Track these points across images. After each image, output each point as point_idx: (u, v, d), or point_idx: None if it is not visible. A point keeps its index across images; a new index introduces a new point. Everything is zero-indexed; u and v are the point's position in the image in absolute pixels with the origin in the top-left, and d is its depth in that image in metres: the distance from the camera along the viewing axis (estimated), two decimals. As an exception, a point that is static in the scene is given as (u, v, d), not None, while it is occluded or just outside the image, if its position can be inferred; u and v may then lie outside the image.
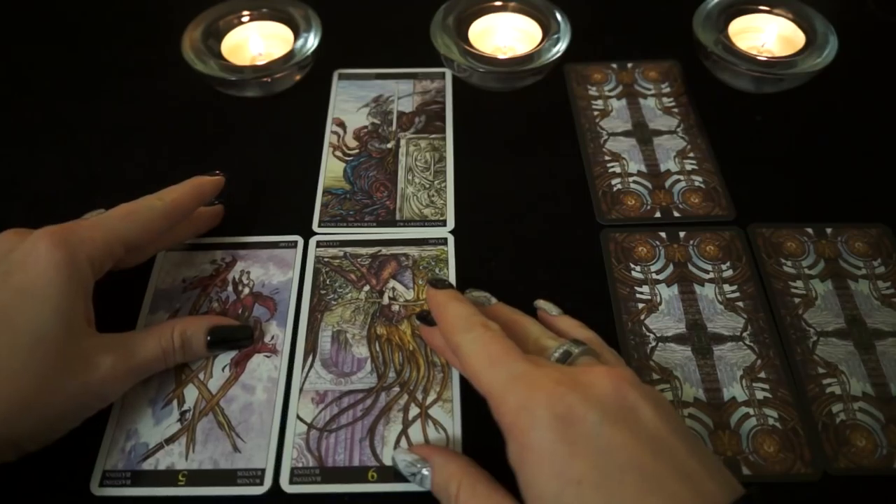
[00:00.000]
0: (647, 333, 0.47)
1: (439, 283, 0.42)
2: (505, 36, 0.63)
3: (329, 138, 0.59)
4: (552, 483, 0.31)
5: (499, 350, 0.36)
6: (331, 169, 0.56)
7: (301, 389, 0.44)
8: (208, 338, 0.44)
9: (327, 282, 0.49)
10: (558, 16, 0.61)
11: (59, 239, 0.39)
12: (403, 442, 0.42)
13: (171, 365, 0.44)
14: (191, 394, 0.44)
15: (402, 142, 0.58)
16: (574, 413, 0.32)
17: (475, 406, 0.44)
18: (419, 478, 0.38)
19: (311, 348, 0.46)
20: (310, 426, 0.43)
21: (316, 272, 0.50)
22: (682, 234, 0.52)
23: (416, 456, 0.39)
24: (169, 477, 0.41)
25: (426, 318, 0.43)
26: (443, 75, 0.63)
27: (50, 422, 0.38)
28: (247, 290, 0.49)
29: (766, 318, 0.47)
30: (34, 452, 0.39)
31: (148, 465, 0.41)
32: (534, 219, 0.53)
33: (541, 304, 0.45)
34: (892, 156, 0.57)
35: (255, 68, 0.59)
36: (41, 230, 0.40)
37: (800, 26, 0.60)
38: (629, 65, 0.64)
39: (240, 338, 0.46)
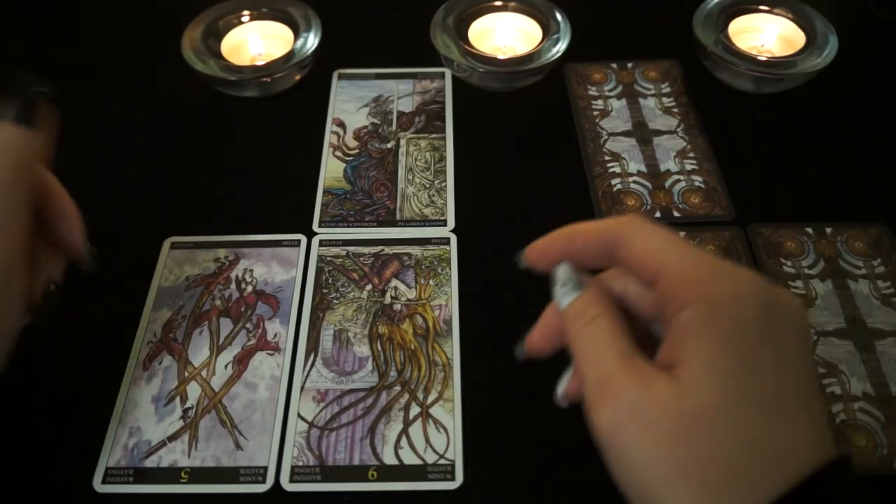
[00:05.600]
0: (648, 333, 0.47)
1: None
2: (505, 36, 0.63)
3: (329, 138, 0.59)
4: (733, 360, 0.28)
5: (676, 234, 0.32)
6: (331, 169, 0.56)
7: (302, 388, 0.44)
8: (16, 118, 0.38)
9: (330, 280, 0.49)
10: (558, 16, 0.61)
11: None
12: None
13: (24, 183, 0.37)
14: (193, 391, 0.44)
15: (402, 142, 0.58)
16: (775, 311, 0.30)
17: (476, 406, 0.44)
18: (564, 291, 0.34)
19: (313, 347, 0.46)
20: (310, 425, 0.43)
21: (318, 271, 0.50)
22: (682, 234, 0.52)
23: (579, 277, 0.34)
24: (171, 474, 0.41)
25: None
26: (443, 75, 0.63)
27: None
28: (250, 288, 0.49)
29: (767, 317, 0.47)
30: (42, 439, 0.38)
31: (150, 463, 0.41)
32: (534, 218, 0.53)
33: None
34: (892, 156, 0.57)
35: (255, 68, 0.59)
36: None
37: (800, 26, 0.61)
38: (629, 65, 0.65)
39: (26, 89, 0.39)
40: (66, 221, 0.40)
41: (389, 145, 0.58)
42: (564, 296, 0.34)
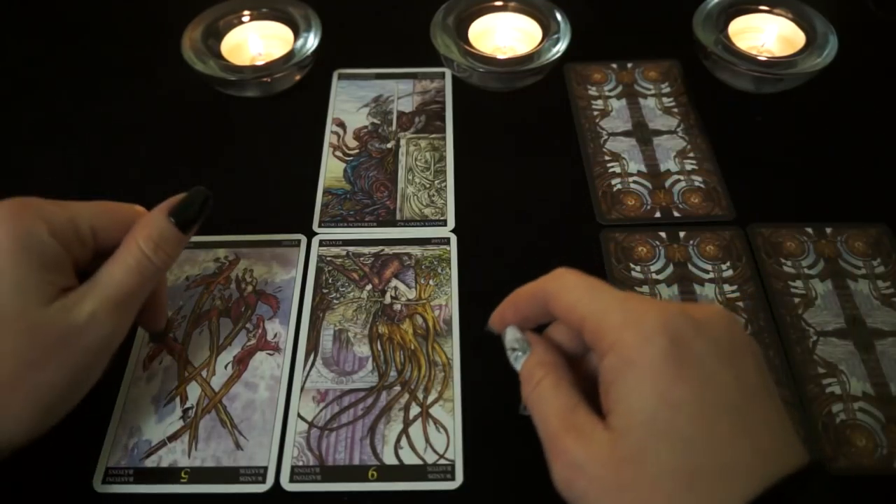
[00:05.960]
0: (648, 333, 0.47)
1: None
2: (505, 36, 0.63)
3: (329, 138, 0.59)
4: (650, 401, 0.30)
5: (597, 281, 0.35)
6: (331, 169, 0.56)
7: (302, 388, 0.44)
8: (173, 220, 0.40)
9: (330, 280, 0.49)
10: (558, 16, 0.61)
11: (12, 210, 0.37)
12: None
13: (156, 278, 0.41)
14: (193, 391, 0.44)
15: (402, 142, 0.58)
16: (686, 337, 0.31)
17: (476, 406, 0.44)
18: (515, 356, 0.37)
19: (313, 347, 0.46)
20: (310, 425, 0.43)
21: (318, 271, 0.50)
22: (682, 234, 0.52)
23: (524, 337, 0.38)
24: (171, 474, 0.41)
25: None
26: (443, 75, 0.63)
27: (47, 402, 0.37)
28: (250, 289, 0.49)
29: (766, 317, 0.47)
30: (42, 439, 0.38)
31: (150, 463, 0.41)
32: (534, 219, 0.53)
33: None
34: (892, 156, 0.57)
35: (255, 68, 0.59)
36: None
37: (800, 26, 0.61)
38: (629, 65, 0.65)
39: (200, 203, 0.41)
40: (159, 311, 0.45)
41: (389, 145, 0.58)
42: (515, 361, 0.37)
